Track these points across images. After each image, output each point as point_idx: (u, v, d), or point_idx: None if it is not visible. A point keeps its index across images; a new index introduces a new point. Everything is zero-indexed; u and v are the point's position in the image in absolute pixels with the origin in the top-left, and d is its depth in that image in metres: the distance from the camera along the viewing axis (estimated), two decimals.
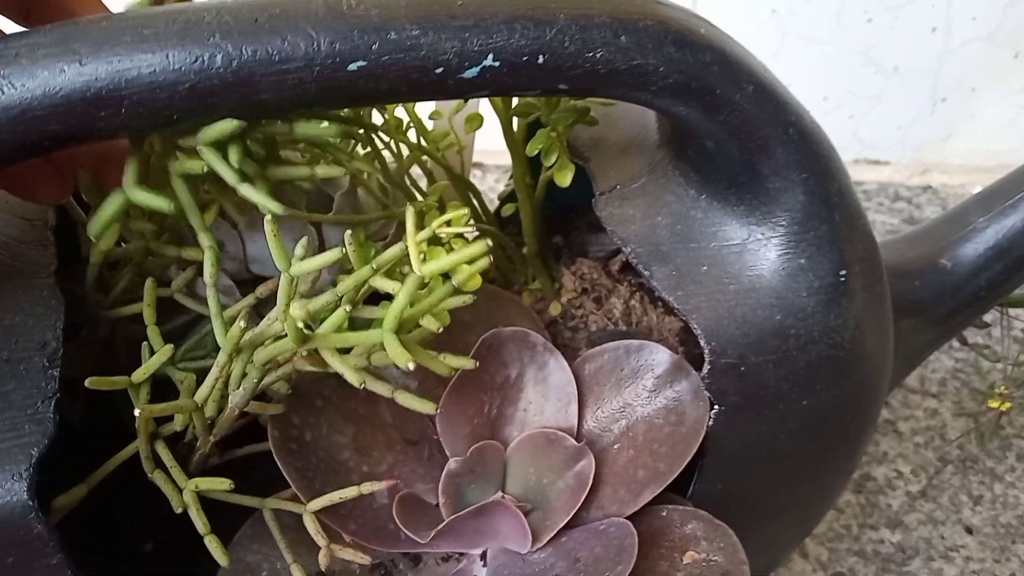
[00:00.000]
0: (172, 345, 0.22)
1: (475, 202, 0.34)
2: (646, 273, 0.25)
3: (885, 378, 0.28)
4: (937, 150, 0.71)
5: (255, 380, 0.21)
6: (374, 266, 0.20)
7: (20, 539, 0.19)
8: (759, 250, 0.24)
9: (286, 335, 0.20)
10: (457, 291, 0.21)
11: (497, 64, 0.20)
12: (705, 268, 0.24)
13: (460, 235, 0.26)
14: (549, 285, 0.35)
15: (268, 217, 0.20)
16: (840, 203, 0.24)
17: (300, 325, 0.19)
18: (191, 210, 0.22)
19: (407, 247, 0.21)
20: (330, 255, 0.19)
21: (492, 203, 0.60)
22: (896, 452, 0.52)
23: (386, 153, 0.31)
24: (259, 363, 0.21)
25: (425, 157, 0.31)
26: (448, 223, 0.21)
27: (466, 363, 0.21)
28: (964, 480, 0.50)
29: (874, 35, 0.63)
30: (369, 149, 0.29)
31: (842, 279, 0.24)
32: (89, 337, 0.27)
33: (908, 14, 0.61)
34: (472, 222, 0.29)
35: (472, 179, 0.37)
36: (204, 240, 0.21)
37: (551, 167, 0.28)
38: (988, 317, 0.55)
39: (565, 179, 0.27)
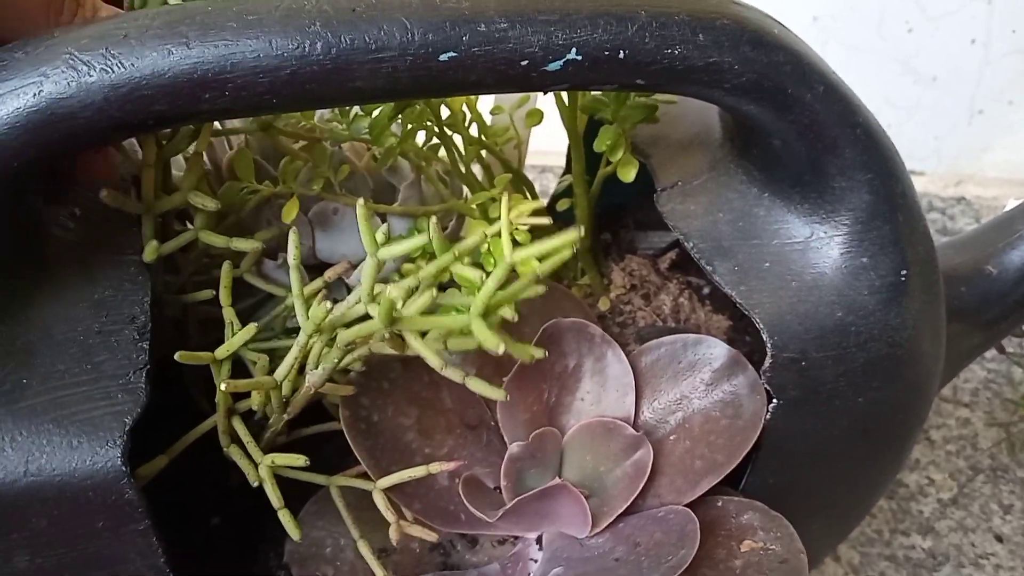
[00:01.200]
0: (254, 324, 0.22)
1: (530, 196, 0.35)
2: (708, 268, 0.25)
3: (936, 380, 0.28)
4: (973, 162, 0.71)
5: (335, 360, 0.22)
6: (456, 253, 0.20)
7: (111, 504, 0.20)
8: (822, 248, 0.25)
9: (368, 317, 0.21)
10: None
11: (580, 58, 0.21)
12: (767, 264, 0.25)
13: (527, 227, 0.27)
14: (598, 281, 0.36)
15: (360, 201, 0.20)
16: (903, 204, 0.24)
17: (396, 306, 0.19)
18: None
19: (487, 235, 0.21)
20: (417, 240, 0.20)
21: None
22: (928, 460, 0.52)
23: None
24: (341, 343, 0.21)
25: (484, 151, 0.32)
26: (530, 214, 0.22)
27: (537, 352, 0.21)
28: (995, 489, 0.51)
29: (914, 44, 0.63)
30: (435, 140, 0.30)
31: (903, 279, 0.24)
32: (159, 316, 0.28)
33: (948, 24, 0.62)
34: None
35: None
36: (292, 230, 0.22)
37: (611, 164, 0.28)
38: None
39: (629, 175, 0.28)
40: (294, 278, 0.21)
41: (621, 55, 0.21)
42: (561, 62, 0.21)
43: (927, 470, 0.52)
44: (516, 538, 0.27)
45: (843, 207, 0.24)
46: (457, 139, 0.32)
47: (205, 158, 0.30)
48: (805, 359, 0.24)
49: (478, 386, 0.21)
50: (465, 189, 0.33)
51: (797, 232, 0.25)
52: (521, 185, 0.34)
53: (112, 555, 0.21)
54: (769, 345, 0.24)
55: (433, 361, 0.20)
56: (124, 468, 0.20)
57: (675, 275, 0.36)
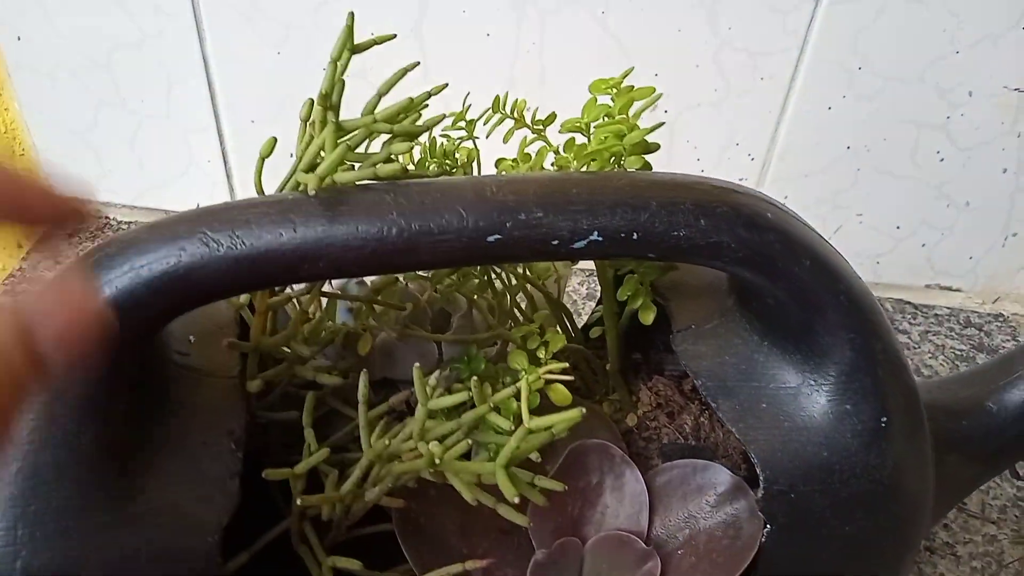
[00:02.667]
0: (328, 449, 0.27)
1: (567, 323, 0.40)
2: (713, 405, 0.29)
3: (924, 511, 0.32)
4: (1009, 280, 0.73)
5: (389, 484, 0.27)
6: (491, 404, 0.25)
7: None
8: (811, 394, 0.29)
9: (418, 452, 0.26)
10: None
11: (601, 239, 0.26)
12: (764, 405, 0.29)
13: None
14: (627, 398, 0.40)
15: (416, 365, 0.25)
16: (884, 360, 0.28)
17: (436, 455, 0.24)
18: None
19: (518, 392, 0.26)
20: (460, 396, 0.25)
21: (575, 302, 0.65)
22: (953, 575, 0.54)
23: (496, 281, 0.37)
24: (395, 473, 0.26)
25: (528, 285, 0.37)
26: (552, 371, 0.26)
27: (556, 486, 0.26)
28: None
29: (946, 172, 0.67)
30: (485, 278, 0.35)
31: (883, 425, 0.28)
32: (251, 426, 0.33)
33: (979, 155, 0.65)
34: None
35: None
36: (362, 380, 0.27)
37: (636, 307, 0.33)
38: None
39: (648, 318, 0.32)
40: (361, 412, 0.26)
41: (635, 236, 0.26)
42: (585, 242, 0.26)
43: None
44: None
45: (829, 360, 0.28)
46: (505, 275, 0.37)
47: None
48: (794, 491, 0.28)
49: (507, 512, 0.26)
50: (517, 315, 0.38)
51: (790, 379, 0.29)
52: (560, 313, 0.39)
53: None
54: (762, 478, 0.28)
55: (467, 495, 0.24)
56: (218, 559, 0.25)
57: (697, 396, 0.39)
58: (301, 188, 0.25)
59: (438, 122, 0.27)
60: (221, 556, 0.25)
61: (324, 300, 0.31)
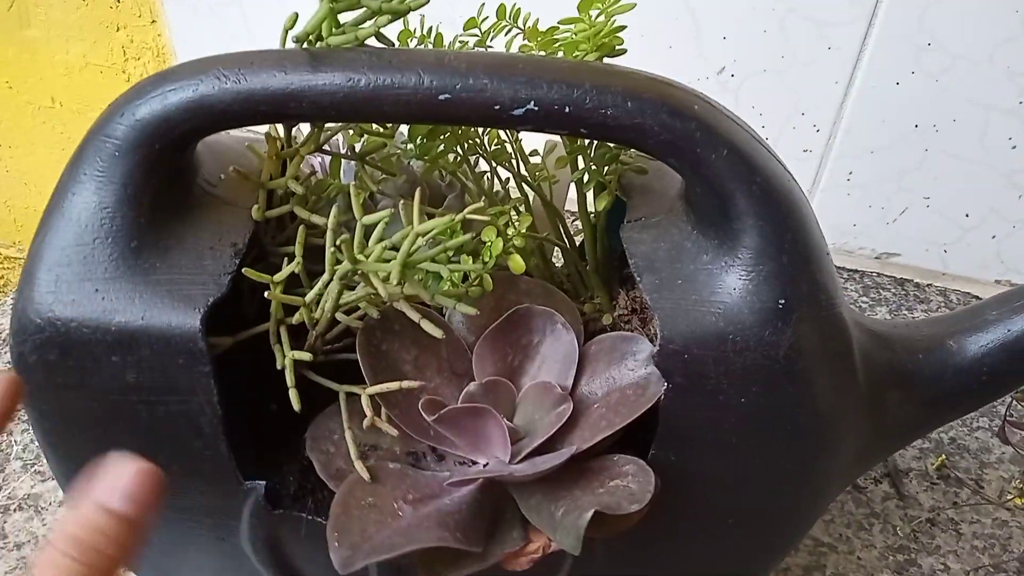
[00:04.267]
0: (301, 260, 0.33)
1: (560, 228, 0.44)
2: (638, 279, 0.33)
3: (837, 411, 0.34)
4: None
5: (337, 291, 0.32)
6: (418, 231, 0.30)
7: (188, 349, 0.31)
8: (721, 274, 0.32)
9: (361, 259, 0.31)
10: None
11: (537, 109, 0.31)
12: (680, 282, 0.33)
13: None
14: (607, 302, 0.44)
15: (352, 183, 0.31)
16: (790, 249, 0.31)
17: (356, 254, 0.29)
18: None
19: (454, 220, 0.31)
20: (384, 214, 0.30)
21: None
22: (950, 548, 0.54)
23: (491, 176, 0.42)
24: (337, 278, 0.32)
25: (524, 186, 0.42)
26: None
27: (469, 310, 0.31)
28: None
29: (1018, 161, 0.65)
30: (477, 170, 0.40)
31: (780, 306, 0.31)
32: (268, 264, 0.40)
33: None
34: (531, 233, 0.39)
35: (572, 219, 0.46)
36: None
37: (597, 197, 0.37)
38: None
39: (600, 204, 0.36)
40: (328, 236, 0.32)
41: (568, 110, 0.31)
42: (523, 110, 0.31)
43: (946, 558, 0.53)
44: (473, 462, 0.36)
45: (740, 244, 0.31)
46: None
47: (316, 164, 0.42)
48: (687, 353, 0.31)
49: (428, 327, 0.31)
50: None
51: (707, 260, 0.32)
52: (554, 217, 0.44)
53: (185, 386, 0.32)
54: (659, 336, 0.31)
55: (382, 292, 0.30)
56: (200, 327, 0.31)
57: None
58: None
59: (425, 2, 0.32)
60: (204, 328, 0.31)
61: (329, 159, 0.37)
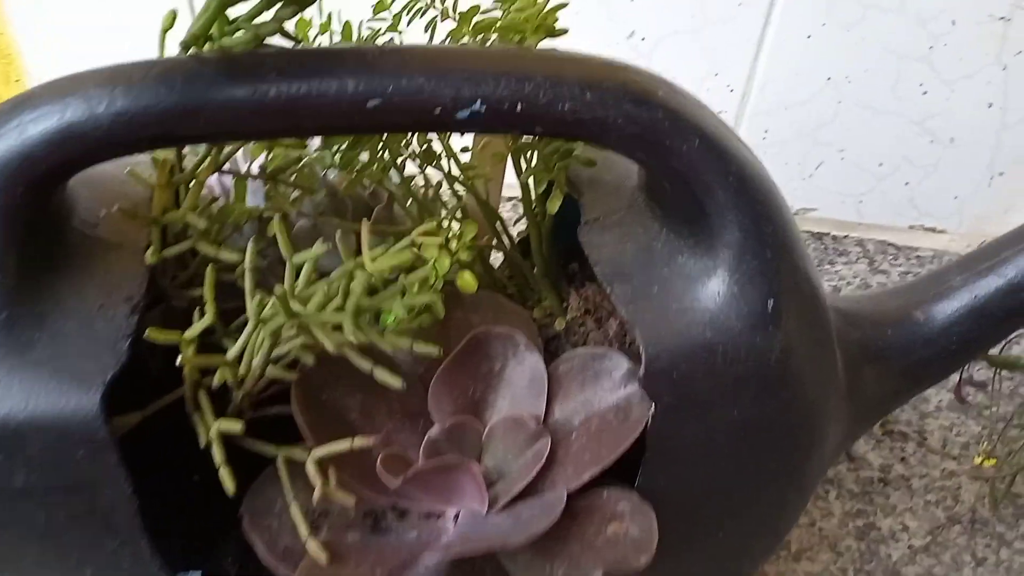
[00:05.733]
0: (215, 312, 0.28)
1: (500, 227, 0.40)
2: (608, 289, 0.30)
3: (824, 404, 0.32)
4: (996, 222, 0.72)
5: (268, 346, 0.27)
6: (355, 262, 0.25)
7: (89, 438, 0.26)
8: (700, 277, 0.29)
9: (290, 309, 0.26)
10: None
11: (483, 109, 0.26)
12: (656, 289, 0.29)
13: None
14: (557, 304, 0.40)
15: (277, 217, 0.26)
16: (773, 242, 0.28)
17: (291, 305, 0.24)
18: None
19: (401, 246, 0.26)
20: (318, 249, 0.25)
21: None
22: (905, 507, 0.54)
23: (421, 179, 0.37)
24: (267, 333, 0.27)
25: (457, 185, 0.37)
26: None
27: (430, 350, 0.26)
28: (970, 541, 0.52)
29: (930, 106, 0.65)
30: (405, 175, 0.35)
31: (769, 307, 0.28)
32: (169, 308, 0.34)
33: (964, 88, 0.64)
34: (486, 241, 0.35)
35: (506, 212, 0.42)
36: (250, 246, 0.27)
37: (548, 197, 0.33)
38: (983, 377, 0.56)
39: (554, 206, 0.32)
40: (248, 279, 0.27)
41: (519, 108, 0.26)
42: (468, 111, 0.26)
43: (903, 516, 0.53)
44: (439, 515, 0.31)
45: (718, 243, 0.28)
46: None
47: (216, 186, 0.36)
48: (676, 370, 0.28)
49: (382, 376, 0.26)
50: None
51: (684, 262, 0.29)
52: (492, 216, 0.39)
53: (89, 481, 0.26)
54: (644, 355, 0.28)
55: (328, 344, 0.25)
56: (101, 412, 0.25)
57: None
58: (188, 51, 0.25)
59: None
60: (105, 411, 0.26)
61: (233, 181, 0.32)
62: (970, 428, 0.58)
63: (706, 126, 0.28)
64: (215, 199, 0.32)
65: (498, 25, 0.29)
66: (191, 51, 0.26)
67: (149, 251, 0.29)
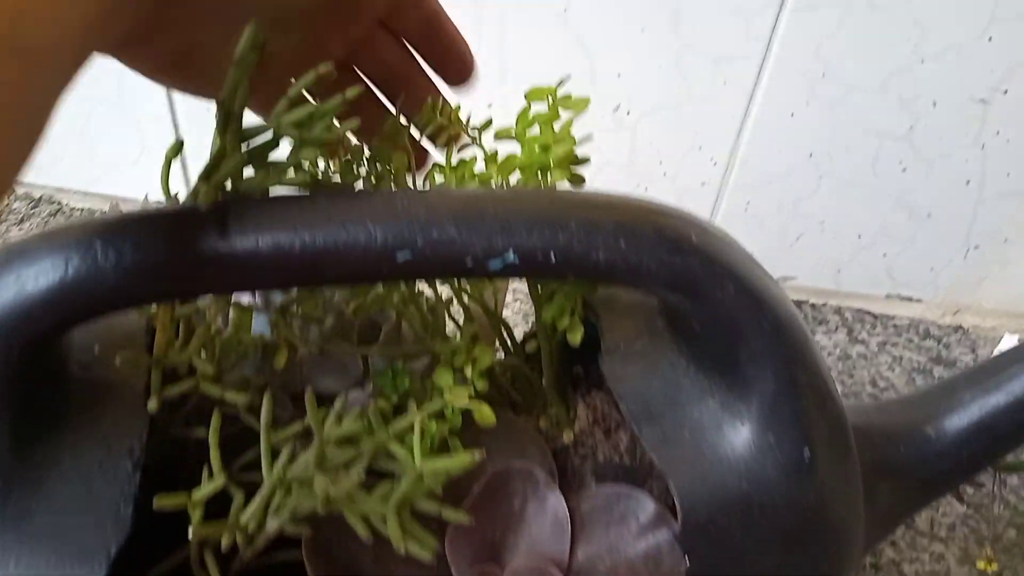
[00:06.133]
0: (226, 475, 0.26)
1: (505, 336, 0.39)
2: (636, 430, 0.29)
3: (854, 543, 0.31)
4: (970, 293, 0.73)
5: (287, 516, 0.25)
6: (390, 432, 0.24)
7: None
8: (735, 424, 0.28)
9: (311, 477, 0.24)
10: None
11: (517, 259, 0.25)
12: (687, 434, 0.28)
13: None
14: (564, 413, 0.39)
15: (308, 390, 0.24)
16: (808, 390, 0.27)
17: (327, 488, 0.23)
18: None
19: (426, 414, 0.25)
20: (354, 426, 0.24)
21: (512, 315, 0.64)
22: None
23: (430, 291, 0.36)
24: (289, 507, 0.25)
25: (465, 297, 0.36)
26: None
27: (462, 519, 0.25)
28: None
29: (908, 183, 0.66)
30: (417, 290, 0.34)
31: (806, 457, 0.27)
32: (164, 443, 0.32)
33: (943, 166, 0.65)
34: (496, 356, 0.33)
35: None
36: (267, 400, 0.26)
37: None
38: (984, 477, 0.56)
39: (576, 339, 0.31)
40: (263, 436, 0.25)
41: (553, 257, 0.25)
42: (500, 261, 0.25)
43: None
44: None
45: (752, 390, 0.27)
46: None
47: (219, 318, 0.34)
48: (713, 525, 0.27)
49: (413, 548, 0.25)
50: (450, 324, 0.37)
51: (715, 407, 0.28)
52: (498, 325, 0.38)
53: None
54: (680, 510, 0.27)
55: (361, 532, 0.23)
56: None
57: None
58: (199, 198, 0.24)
59: (352, 128, 0.26)
60: None
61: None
62: (955, 509, 0.59)
63: (740, 271, 0.27)
64: (218, 331, 0.30)
65: (522, 163, 0.28)
66: (203, 194, 0.24)
67: (151, 399, 0.27)
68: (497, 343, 0.40)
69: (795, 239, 0.71)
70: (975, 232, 0.69)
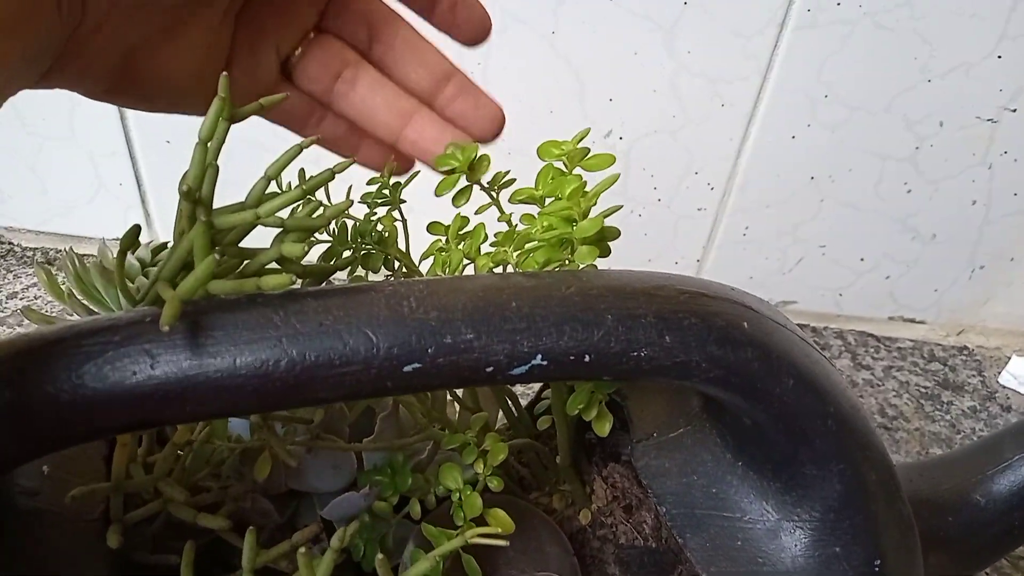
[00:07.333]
0: None
1: (511, 408, 0.35)
2: (680, 540, 0.25)
3: None
4: (974, 313, 0.71)
5: None
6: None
7: None
8: (794, 532, 0.24)
9: None
10: None
11: (545, 363, 0.21)
12: (739, 543, 0.24)
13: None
14: (580, 490, 0.35)
15: (301, 551, 0.20)
16: (878, 493, 0.24)
17: None
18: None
19: (437, 559, 0.21)
20: None
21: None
22: None
23: None
24: None
25: None
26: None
27: None
28: None
29: (913, 204, 0.63)
30: None
31: (876, 569, 0.24)
32: (125, 565, 0.28)
33: (948, 187, 0.62)
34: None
35: None
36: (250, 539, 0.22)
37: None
38: None
39: (604, 429, 0.27)
40: None
41: (587, 359, 0.21)
42: (526, 367, 0.21)
43: None
44: None
45: (815, 494, 0.24)
46: None
47: None
48: None
49: None
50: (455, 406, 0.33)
51: (769, 512, 0.25)
52: (503, 398, 0.34)
53: None
54: None
55: None
56: None
57: None
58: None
59: (342, 211, 0.22)
60: None
61: None
62: None
63: (800, 362, 0.23)
64: (189, 442, 0.26)
65: (544, 237, 0.24)
66: (170, 306, 0.20)
67: (111, 531, 0.23)
68: (500, 412, 0.36)
69: (795, 263, 0.68)
70: (980, 252, 0.66)
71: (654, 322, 0.22)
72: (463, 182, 0.28)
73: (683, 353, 0.22)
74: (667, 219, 0.65)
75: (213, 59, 0.27)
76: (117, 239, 0.27)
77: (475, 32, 0.30)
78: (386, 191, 0.29)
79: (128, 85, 0.26)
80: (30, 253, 0.73)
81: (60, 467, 0.24)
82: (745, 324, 0.23)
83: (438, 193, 0.27)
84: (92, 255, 0.34)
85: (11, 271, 0.71)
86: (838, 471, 0.24)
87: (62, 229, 0.71)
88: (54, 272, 0.34)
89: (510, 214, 0.28)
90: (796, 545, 0.24)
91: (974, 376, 0.69)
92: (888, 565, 0.24)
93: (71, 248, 0.35)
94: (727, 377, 0.22)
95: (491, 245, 0.26)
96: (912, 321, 0.72)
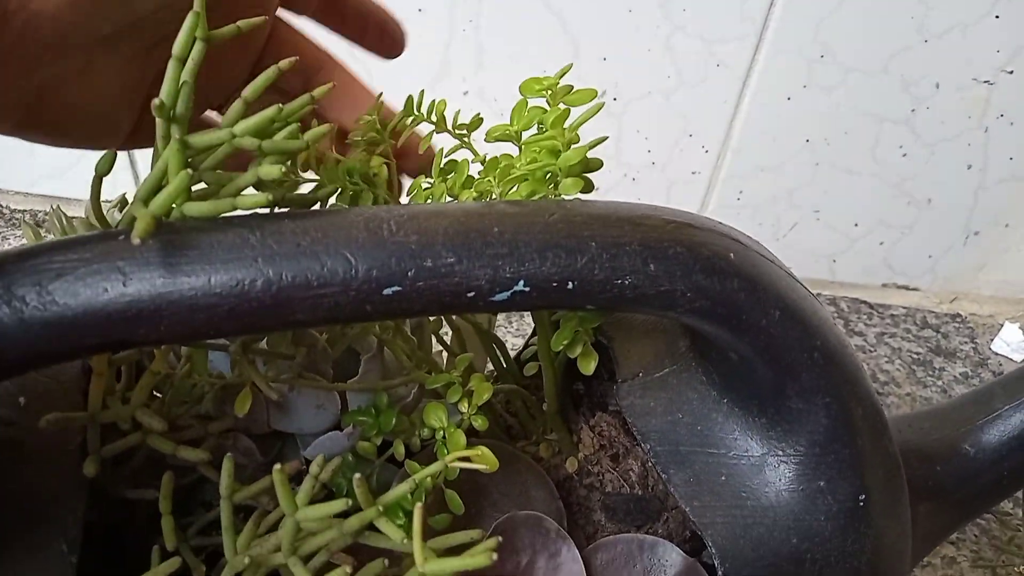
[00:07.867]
0: (179, 559, 0.22)
1: (499, 356, 0.34)
2: (664, 476, 0.25)
3: (901, 565, 0.27)
4: (968, 280, 0.70)
5: None
6: (380, 508, 0.20)
7: None
8: (778, 467, 0.24)
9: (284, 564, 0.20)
10: None
11: (527, 289, 0.21)
12: (723, 478, 0.24)
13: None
14: (567, 439, 0.35)
15: (276, 467, 0.20)
16: (864, 427, 0.24)
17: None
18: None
19: (416, 483, 0.21)
20: (337, 504, 0.19)
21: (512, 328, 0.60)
22: None
23: None
24: None
25: (454, 316, 0.32)
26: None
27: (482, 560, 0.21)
28: None
29: (909, 168, 0.63)
30: None
31: (861, 504, 0.24)
32: (104, 500, 0.27)
33: (944, 150, 0.62)
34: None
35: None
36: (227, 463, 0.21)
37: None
38: None
39: (589, 367, 0.27)
40: (224, 510, 0.21)
41: (570, 286, 0.21)
42: (508, 293, 0.21)
43: None
44: None
45: (800, 428, 0.24)
46: None
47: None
48: None
49: None
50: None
51: (754, 447, 0.24)
52: (490, 344, 0.34)
53: None
54: (720, 573, 0.23)
55: None
56: None
57: None
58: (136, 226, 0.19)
59: (323, 135, 0.21)
60: None
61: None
62: None
63: (787, 294, 0.23)
64: (168, 371, 0.25)
65: (529, 168, 0.23)
66: (141, 221, 0.20)
67: (88, 461, 0.22)
68: (489, 361, 0.36)
69: (789, 228, 0.68)
70: (975, 218, 0.66)
71: (639, 250, 0.21)
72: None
73: (668, 282, 0.22)
74: (661, 183, 0.64)
75: (131, 92, 0.26)
76: (107, 201, 0.26)
77: (398, 49, 0.33)
78: (375, 132, 0.29)
79: (39, 121, 0.25)
80: (19, 215, 0.72)
81: (37, 399, 0.24)
82: (732, 255, 0.23)
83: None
84: (80, 216, 0.33)
85: (0, 233, 0.70)
86: (824, 405, 0.23)
87: (51, 191, 0.70)
88: (43, 233, 0.34)
89: (484, 155, 0.27)
90: (780, 479, 0.24)
91: (966, 343, 0.69)
92: (873, 500, 0.24)
93: (58, 206, 0.34)
94: (712, 308, 0.22)
95: (476, 176, 0.26)
96: (906, 288, 0.72)
